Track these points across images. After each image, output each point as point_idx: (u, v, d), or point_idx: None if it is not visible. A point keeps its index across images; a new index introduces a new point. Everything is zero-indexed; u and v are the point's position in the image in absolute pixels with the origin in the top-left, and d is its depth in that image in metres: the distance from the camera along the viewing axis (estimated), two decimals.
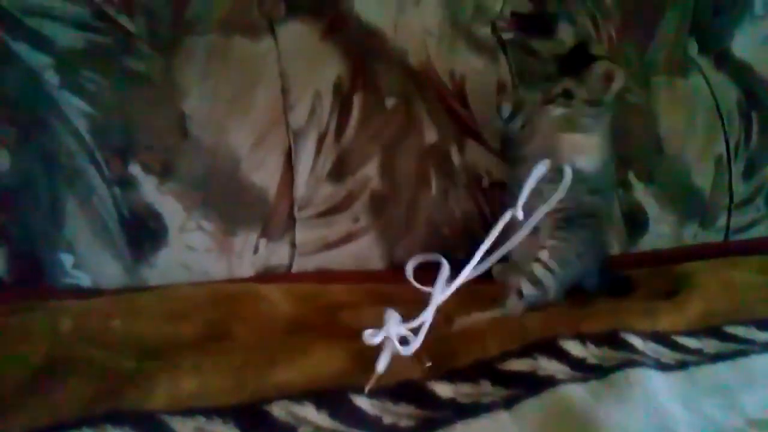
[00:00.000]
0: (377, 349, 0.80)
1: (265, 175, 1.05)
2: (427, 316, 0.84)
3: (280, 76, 1.06)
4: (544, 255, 0.97)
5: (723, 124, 1.35)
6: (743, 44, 1.41)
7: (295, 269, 1.08)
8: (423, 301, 0.90)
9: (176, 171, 1.00)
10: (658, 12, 1.34)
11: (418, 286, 0.91)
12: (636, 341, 0.88)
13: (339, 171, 1.09)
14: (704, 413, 0.77)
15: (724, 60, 1.40)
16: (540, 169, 0.92)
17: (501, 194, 1.15)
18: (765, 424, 0.76)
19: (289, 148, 1.06)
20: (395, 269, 1.10)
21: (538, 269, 0.96)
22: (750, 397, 0.80)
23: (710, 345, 0.91)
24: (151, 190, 0.99)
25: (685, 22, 1.36)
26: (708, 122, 1.34)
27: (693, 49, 1.38)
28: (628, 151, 1.26)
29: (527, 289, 0.95)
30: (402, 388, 0.77)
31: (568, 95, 0.97)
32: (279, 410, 0.71)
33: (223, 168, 1.03)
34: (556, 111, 0.98)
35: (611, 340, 0.88)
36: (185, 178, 1.01)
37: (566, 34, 1.18)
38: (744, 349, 0.90)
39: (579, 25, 1.26)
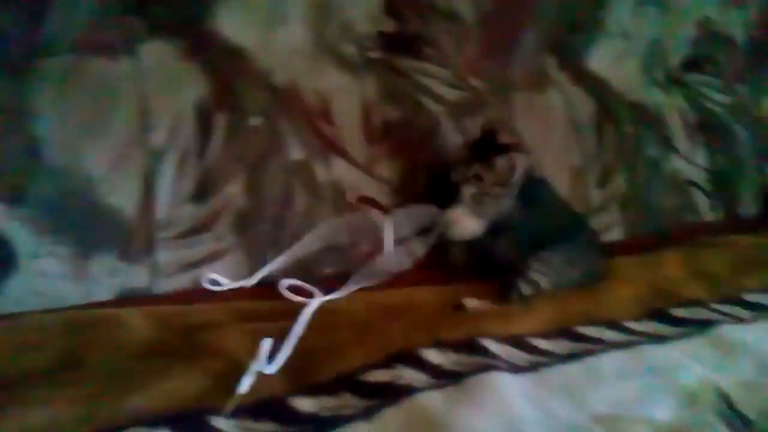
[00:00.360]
0: (238, 369, 0.82)
1: (123, 197, 1.03)
2: (297, 331, 0.89)
3: (139, 96, 1.05)
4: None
5: (578, 137, 1.44)
6: (599, 60, 1.51)
7: (158, 291, 1.07)
8: (291, 314, 0.94)
9: (27, 196, 0.97)
10: (517, 30, 1.40)
11: (297, 298, 0.99)
12: (492, 345, 0.94)
13: (202, 191, 1.08)
14: (552, 412, 0.82)
15: (580, 75, 1.48)
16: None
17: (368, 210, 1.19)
18: (609, 419, 0.83)
19: (149, 169, 1.05)
20: (263, 286, 1.11)
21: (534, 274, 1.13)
22: (596, 395, 0.87)
23: (561, 345, 0.98)
24: None
25: (544, 39, 1.44)
26: (564, 135, 1.43)
27: (552, 65, 1.45)
28: None
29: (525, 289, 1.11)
30: (263, 406, 0.79)
31: (478, 177, 1.13)
32: None
33: (78, 191, 1.00)
34: (471, 189, 1.13)
35: (469, 345, 0.93)
36: (37, 202, 0.98)
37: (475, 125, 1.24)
38: (593, 348, 0.97)
39: (442, 46, 1.32)
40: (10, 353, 0.85)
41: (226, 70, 1.12)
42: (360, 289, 1.08)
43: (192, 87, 1.09)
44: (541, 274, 1.13)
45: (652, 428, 0.83)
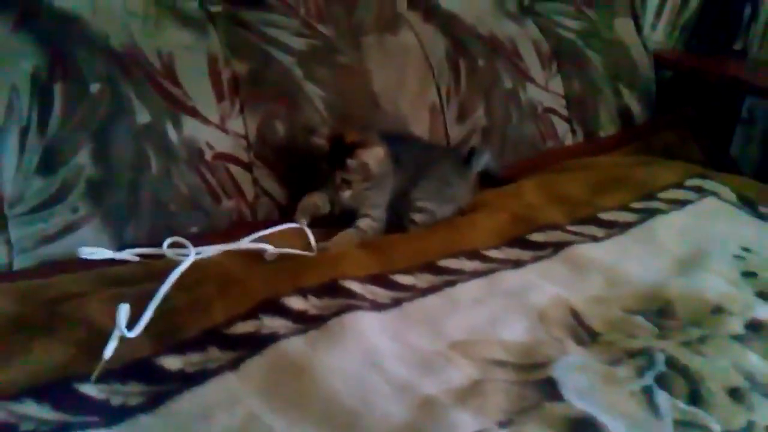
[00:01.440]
0: (103, 335, 0.83)
1: None
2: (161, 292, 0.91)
3: None
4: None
5: (434, 74, 1.47)
6: None
7: (16, 267, 1.06)
8: (156, 277, 0.95)
9: None
10: None
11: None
12: (354, 286, 0.97)
13: (48, 164, 1.07)
14: (411, 344, 0.87)
15: (432, 13, 1.51)
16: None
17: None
18: (464, 344, 0.88)
19: None
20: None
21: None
22: (453, 322, 0.92)
23: (424, 279, 1.02)
24: None
25: None
26: (419, 74, 1.46)
27: (402, 5, 1.48)
28: (347, 111, 1.35)
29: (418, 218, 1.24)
30: (130, 368, 0.81)
31: (347, 183, 1.19)
32: None
33: None
34: (346, 194, 1.21)
35: (331, 289, 0.96)
36: None
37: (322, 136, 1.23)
38: (453, 279, 1.02)
39: None
40: None
41: (60, 39, 1.10)
42: None
43: (25, 59, 1.07)
44: (425, 201, 1.24)
45: (504, 348, 0.88)
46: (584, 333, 0.93)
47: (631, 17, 1.90)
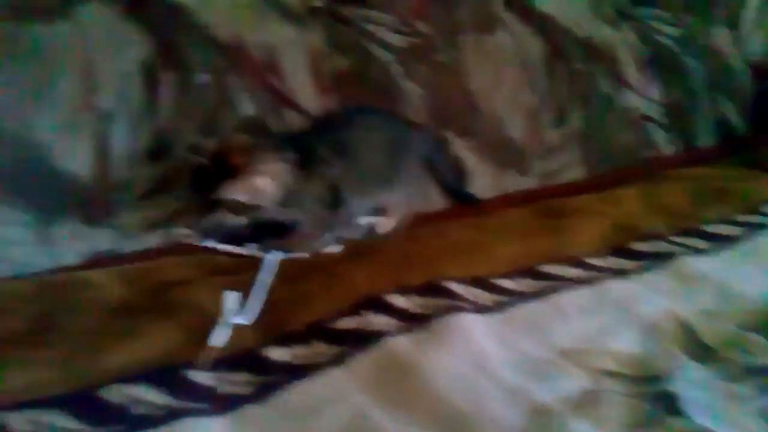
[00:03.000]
0: (211, 323, 0.85)
1: (77, 162, 1.04)
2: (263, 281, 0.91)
3: (82, 59, 1.05)
4: None
5: (530, 77, 1.44)
6: None
7: (123, 252, 1.08)
8: (252, 268, 0.97)
9: None
10: None
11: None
12: (457, 287, 0.97)
13: (156, 151, 1.09)
14: (519, 349, 0.86)
15: (528, 15, 1.48)
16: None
17: None
18: (575, 353, 0.86)
19: (100, 132, 1.05)
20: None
21: None
22: (561, 330, 0.91)
23: (526, 284, 1.01)
24: None
25: None
26: (516, 75, 1.43)
27: (499, 5, 1.46)
28: (445, 111, 1.34)
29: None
30: (237, 357, 0.82)
31: (235, 210, 1.00)
32: (112, 394, 0.75)
33: (32, 158, 1.01)
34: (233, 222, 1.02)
35: (433, 288, 0.96)
36: None
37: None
38: (556, 285, 1.00)
39: None
40: None
41: (169, 28, 1.12)
42: None
43: (135, 47, 1.09)
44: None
45: (616, 359, 0.86)
46: (698, 348, 0.90)
47: (729, 27, 1.83)
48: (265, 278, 0.93)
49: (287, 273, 0.98)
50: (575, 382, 0.81)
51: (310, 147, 1.05)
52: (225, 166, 0.97)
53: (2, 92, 1.00)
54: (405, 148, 1.17)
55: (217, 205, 0.98)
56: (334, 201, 1.09)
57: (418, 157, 1.21)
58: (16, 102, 1.00)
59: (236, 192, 0.97)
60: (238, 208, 0.99)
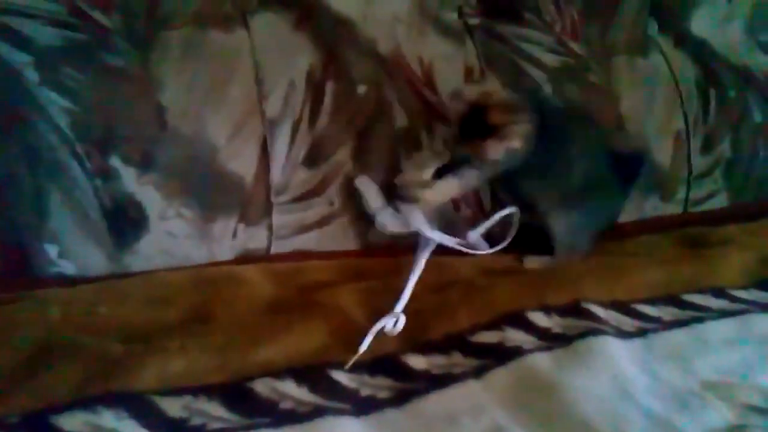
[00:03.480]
0: (354, 326, 0.86)
1: (242, 163, 1.08)
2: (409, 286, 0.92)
3: (254, 66, 1.10)
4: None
5: (682, 101, 1.41)
6: (701, 23, 1.47)
7: (273, 252, 1.12)
8: (397, 272, 0.96)
9: (155, 162, 1.03)
10: None
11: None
12: (598, 310, 0.95)
13: (313, 157, 1.12)
14: (661, 377, 0.83)
15: (682, 39, 1.45)
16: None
17: None
18: (717, 386, 0.83)
19: (265, 136, 1.09)
20: (367, 249, 1.16)
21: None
22: (704, 361, 0.87)
23: (668, 312, 0.98)
24: (131, 181, 1.02)
25: (645, 2, 1.42)
26: (667, 99, 1.40)
27: (653, 28, 1.43)
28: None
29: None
30: (378, 362, 0.83)
31: (465, 159, 1.06)
32: (262, 387, 0.77)
33: (202, 157, 1.06)
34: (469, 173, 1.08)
35: (574, 310, 0.94)
36: (164, 168, 1.03)
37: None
38: (700, 315, 0.97)
39: (543, 11, 1.31)
40: (145, 307, 0.91)
41: (333, 40, 1.15)
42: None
43: (302, 57, 1.13)
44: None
45: (762, 394, 0.82)
46: None
47: None
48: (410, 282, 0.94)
49: (429, 281, 0.97)
50: (720, 415, 0.78)
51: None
52: (482, 120, 1.01)
53: (181, 93, 1.05)
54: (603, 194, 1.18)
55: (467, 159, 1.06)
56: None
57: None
58: (192, 103, 1.06)
59: (497, 152, 1.02)
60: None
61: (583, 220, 1.15)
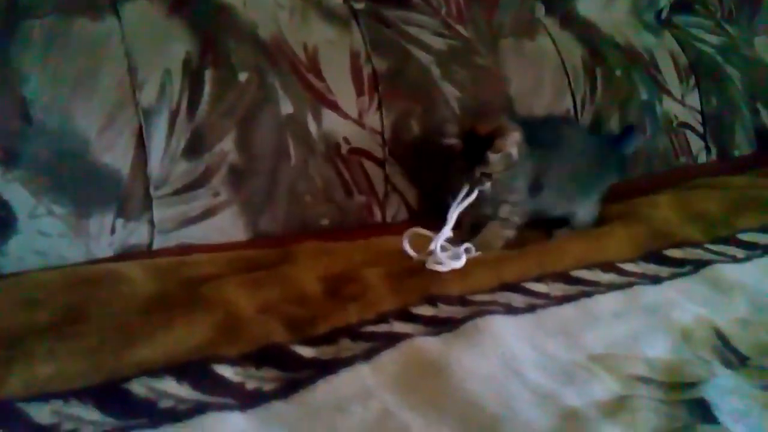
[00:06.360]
0: (239, 319, 0.84)
1: (117, 156, 1.04)
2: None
3: (125, 55, 1.06)
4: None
5: (569, 82, 1.44)
6: (587, 4, 1.51)
7: (156, 247, 1.08)
8: (282, 262, 0.97)
9: (21, 157, 0.98)
10: None
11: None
12: (483, 297, 0.95)
13: (194, 147, 1.09)
14: (549, 352, 0.84)
15: (569, 20, 1.48)
16: None
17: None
18: (605, 358, 0.84)
19: (141, 127, 1.06)
20: (258, 239, 1.13)
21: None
22: (592, 335, 0.89)
23: (557, 288, 0.99)
24: None
25: None
26: (555, 80, 1.43)
27: (540, 10, 1.45)
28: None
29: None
30: (265, 353, 0.81)
31: (486, 175, 1.10)
32: (138, 387, 0.73)
33: (72, 151, 1.01)
34: (486, 186, 1.11)
35: (460, 301, 0.94)
36: (31, 163, 0.99)
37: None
38: (589, 290, 0.99)
39: None
40: (14, 310, 0.87)
41: (211, 26, 1.12)
42: None
43: (178, 44, 1.10)
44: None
45: (648, 365, 0.84)
46: (732, 356, 0.87)
47: None
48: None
49: (321, 272, 0.98)
50: (606, 387, 0.79)
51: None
52: (476, 139, 1.09)
53: (46, 85, 1.00)
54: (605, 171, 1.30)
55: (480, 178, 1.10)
56: (534, 186, 1.19)
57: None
58: (60, 95, 1.01)
59: (500, 159, 1.09)
60: (489, 174, 1.10)
61: (595, 197, 1.28)
